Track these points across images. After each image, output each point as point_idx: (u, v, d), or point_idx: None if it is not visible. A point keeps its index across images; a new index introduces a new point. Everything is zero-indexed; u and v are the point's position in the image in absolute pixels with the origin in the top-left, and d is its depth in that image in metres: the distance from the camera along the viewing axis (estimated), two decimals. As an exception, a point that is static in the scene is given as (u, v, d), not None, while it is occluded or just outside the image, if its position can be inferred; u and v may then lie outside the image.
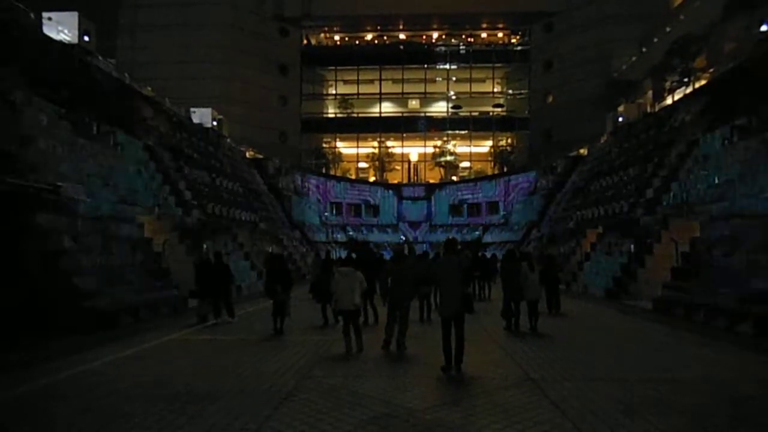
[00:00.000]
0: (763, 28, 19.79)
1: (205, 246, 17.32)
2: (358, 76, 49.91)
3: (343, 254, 26.99)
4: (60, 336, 9.28)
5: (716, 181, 15.69)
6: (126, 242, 13.64)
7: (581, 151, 35.43)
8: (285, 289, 10.69)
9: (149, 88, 27.27)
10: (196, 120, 30.01)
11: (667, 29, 33.05)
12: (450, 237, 8.10)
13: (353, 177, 47.22)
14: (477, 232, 39.48)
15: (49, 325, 9.37)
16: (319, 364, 7.72)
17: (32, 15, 19.24)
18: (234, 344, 9.56)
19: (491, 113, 49.53)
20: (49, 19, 19.84)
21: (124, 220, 14.36)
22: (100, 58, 22.52)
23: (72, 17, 20.21)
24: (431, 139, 49.12)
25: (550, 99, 46.01)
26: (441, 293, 7.42)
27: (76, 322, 9.88)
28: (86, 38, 20.62)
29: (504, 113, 49.46)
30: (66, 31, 20.01)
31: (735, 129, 17.04)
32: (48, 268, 10.40)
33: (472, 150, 49.73)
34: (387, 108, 50.50)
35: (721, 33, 25.89)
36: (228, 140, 33.75)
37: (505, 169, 45.59)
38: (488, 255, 23.70)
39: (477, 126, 49.15)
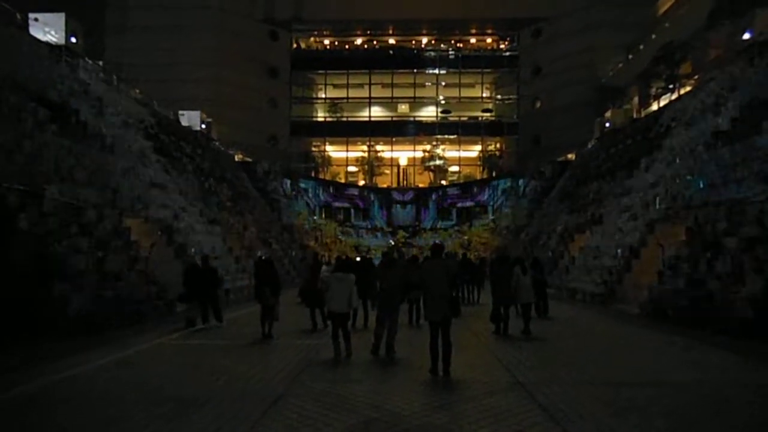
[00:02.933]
0: (746, 36, 20.13)
1: (192, 249, 17.20)
2: (347, 80, 49.88)
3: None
4: (46, 340, 9.15)
5: (701, 185, 15.91)
6: (112, 245, 13.49)
7: (569, 156, 35.75)
8: (274, 293, 10.65)
9: (137, 90, 27.08)
10: (185, 122, 29.85)
11: (653, 36, 33.48)
12: (437, 241, 8.15)
13: (343, 181, 47.14)
14: (465, 237, 39.58)
15: (35, 329, 9.24)
16: (307, 369, 7.70)
17: (19, 16, 19.04)
18: (222, 349, 9.50)
19: (480, 118, 49.74)
20: (36, 20, 19.64)
21: (110, 223, 14.21)
22: (87, 60, 22.32)
23: (59, 18, 20.02)
24: (420, 143, 49.19)
25: (539, 104, 46.34)
26: (428, 297, 7.44)
27: (63, 326, 9.76)
28: (73, 39, 20.43)
29: (493, 118, 49.70)
30: (53, 32, 19.82)
31: (719, 134, 17.31)
32: (33, 271, 10.26)
33: (461, 154, 49.88)
34: (376, 112, 50.52)
35: (706, 41, 26.29)
36: (217, 143, 33.60)
37: (494, 174, 45.80)
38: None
39: (466, 131, 49.32)
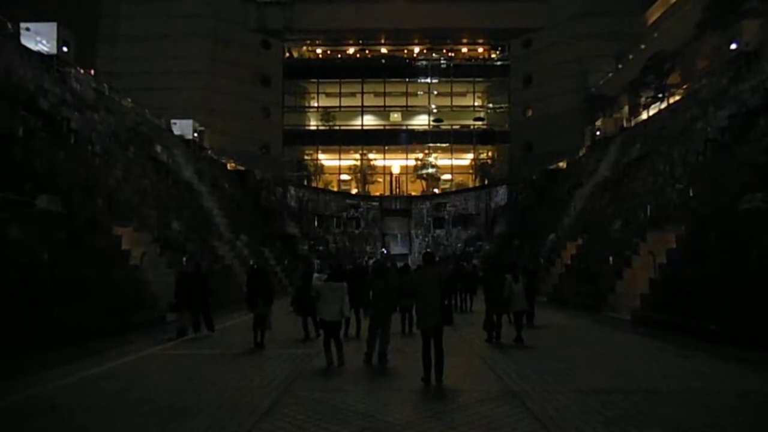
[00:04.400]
0: (733, 46, 20.45)
1: (184, 258, 17.10)
2: (340, 89, 50.02)
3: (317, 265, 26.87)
4: (35, 351, 9.05)
5: (691, 193, 16.07)
6: (103, 254, 13.40)
7: (560, 164, 36.00)
8: (266, 302, 10.60)
9: (129, 99, 27.03)
10: (177, 131, 29.78)
11: (642, 46, 33.90)
12: (428, 250, 8.16)
13: (335, 189, 47.18)
14: (459, 244, 39.68)
15: (22, 339, 9.14)
16: (299, 378, 7.66)
17: (10, 25, 18.96)
18: (213, 358, 9.43)
19: (472, 126, 50.00)
20: (27, 29, 19.56)
21: (100, 232, 14.13)
22: (80, 69, 22.26)
23: (51, 28, 19.93)
24: (413, 151, 49.37)
25: (530, 113, 46.67)
26: (420, 306, 7.44)
27: (53, 336, 9.66)
28: (65, 49, 20.37)
29: (485, 126, 49.99)
30: (44, 42, 19.74)
31: (708, 143, 17.52)
32: (22, 281, 10.16)
33: (453, 163, 50.07)
34: (369, 121, 50.66)
35: (694, 51, 26.64)
36: (209, 152, 33.53)
37: (486, 182, 46.01)
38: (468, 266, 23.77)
39: (458, 139, 49.54)
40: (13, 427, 5.54)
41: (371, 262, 26.63)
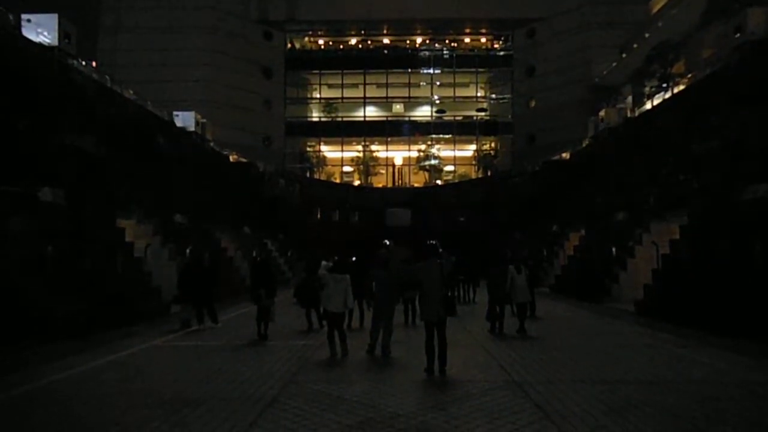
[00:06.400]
0: (738, 35, 20.24)
1: (187, 250, 17.14)
2: (342, 80, 49.83)
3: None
4: (38, 343, 9.11)
5: (695, 184, 15.99)
6: (106, 247, 13.43)
7: (563, 155, 35.86)
8: (269, 294, 10.64)
9: (131, 91, 26.97)
10: (179, 123, 29.73)
11: (646, 36, 33.63)
12: (431, 241, 8.13)
13: (338, 181, 47.12)
14: (462, 236, 39.57)
15: (27, 331, 9.20)
16: (303, 370, 7.70)
17: (11, 17, 18.90)
18: (217, 350, 9.47)
19: (475, 117, 49.79)
20: (29, 21, 19.49)
21: (104, 224, 14.16)
22: (81, 61, 22.21)
23: (52, 19, 19.85)
24: (415, 143, 49.23)
25: (533, 104, 46.44)
26: (423, 297, 7.45)
27: (57, 328, 9.72)
28: (66, 41, 20.30)
29: (487, 117, 49.77)
30: (46, 34, 19.69)
31: (712, 133, 17.39)
32: (26, 273, 10.21)
33: (456, 154, 49.93)
34: (371, 112, 50.50)
35: (698, 40, 26.44)
36: (211, 144, 33.51)
37: (489, 173, 45.86)
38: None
39: (461, 130, 49.38)
40: (16, 419, 5.58)
41: (375, 254, 26.59)
